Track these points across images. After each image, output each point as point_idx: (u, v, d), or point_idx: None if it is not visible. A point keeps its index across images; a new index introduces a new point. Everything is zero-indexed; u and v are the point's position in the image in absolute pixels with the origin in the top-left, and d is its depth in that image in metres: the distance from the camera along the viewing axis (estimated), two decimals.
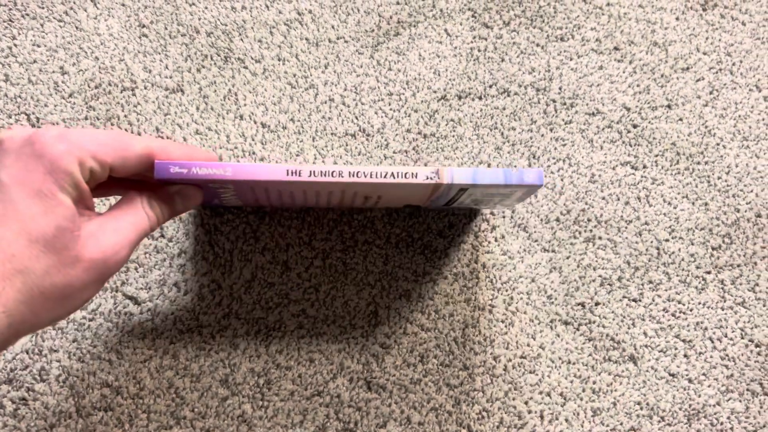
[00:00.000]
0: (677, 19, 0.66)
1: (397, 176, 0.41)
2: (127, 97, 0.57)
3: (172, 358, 0.49)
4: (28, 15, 0.59)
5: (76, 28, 0.59)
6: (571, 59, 0.63)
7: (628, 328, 0.53)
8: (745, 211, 0.58)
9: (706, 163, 0.60)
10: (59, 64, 0.57)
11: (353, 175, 0.40)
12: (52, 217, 0.33)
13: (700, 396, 0.51)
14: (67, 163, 0.33)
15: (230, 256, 0.53)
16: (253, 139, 0.57)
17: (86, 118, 0.55)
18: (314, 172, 0.40)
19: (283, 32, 0.61)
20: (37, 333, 0.49)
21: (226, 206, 0.53)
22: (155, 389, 0.47)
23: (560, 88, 0.62)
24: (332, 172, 0.40)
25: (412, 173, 0.41)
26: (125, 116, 0.56)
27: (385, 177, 0.40)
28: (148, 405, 0.47)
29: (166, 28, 0.60)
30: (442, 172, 0.41)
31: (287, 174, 0.40)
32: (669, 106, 0.62)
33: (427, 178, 0.41)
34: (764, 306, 0.54)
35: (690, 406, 0.50)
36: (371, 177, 0.40)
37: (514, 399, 0.50)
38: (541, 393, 0.50)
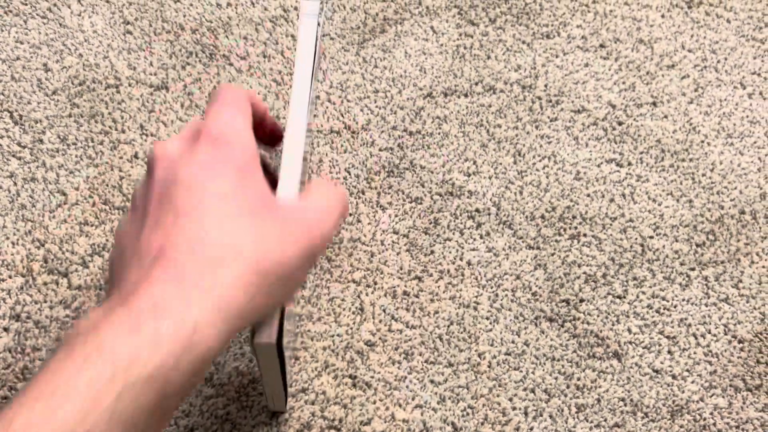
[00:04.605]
0: (663, 16, 0.66)
1: None
2: (112, 94, 0.57)
3: None
4: (11, 11, 0.58)
5: (60, 24, 0.59)
6: (557, 56, 0.63)
7: (613, 325, 0.53)
8: (729, 208, 0.58)
9: (690, 160, 0.60)
10: (43, 61, 0.57)
11: None
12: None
13: (683, 392, 0.51)
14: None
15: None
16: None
17: (70, 116, 0.55)
18: None
19: (269, 29, 0.61)
20: (19, 332, 0.49)
21: None
22: None
23: (546, 86, 0.62)
24: None
25: None
26: (109, 113, 0.56)
27: None
28: None
29: (150, 25, 0.60)
30: None
31: None
32: (654, 104, 0.62)
33: None
34: (747, 302, 0.54)
35: (674, 402, 0.51)
36: None
37: (498, 395, 0.50)
38: (525, 389, 0.50)
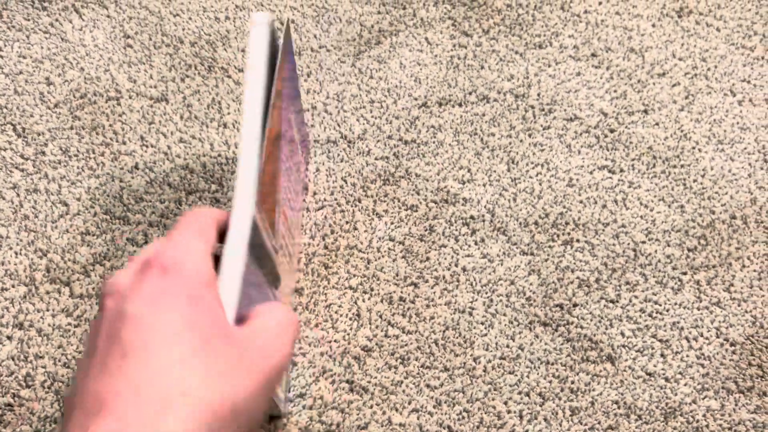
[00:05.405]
0: (653, 25, 0.67)
1: None
2: (112, 106, 0.58)
3: None
4: (14, 27, 0.60)
5: (62, 39, 0.60)
6: (549, 66, 0.64)
7: (606, 329, 0.53)
8: (720, 213, 0.59)
9: (682, 166, 0.61)
10: (45, 74, 0.58)
11: None
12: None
13: (676, 395, 0.52)
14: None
15: (216, 261, 0.53)
16: (236, 147, 0.58)
17: (72, 128, 0.56)
18: None
19: None
20: (22, 340, 0.50)
21: None
22: None
23: (539, 95, 0.63)
24: None
25: None
26: (110, 125, 0.57)
27: None
28: None
29: (150, 39, 0.61)
30: None
31: None
32: (645, 111, 0.63)
33: None
34: (739, 306, 0.55)
35: (667, 404, 0.51)
36: None
37: (493, 399, 0.51)
38: (520, 393, 0.51)
